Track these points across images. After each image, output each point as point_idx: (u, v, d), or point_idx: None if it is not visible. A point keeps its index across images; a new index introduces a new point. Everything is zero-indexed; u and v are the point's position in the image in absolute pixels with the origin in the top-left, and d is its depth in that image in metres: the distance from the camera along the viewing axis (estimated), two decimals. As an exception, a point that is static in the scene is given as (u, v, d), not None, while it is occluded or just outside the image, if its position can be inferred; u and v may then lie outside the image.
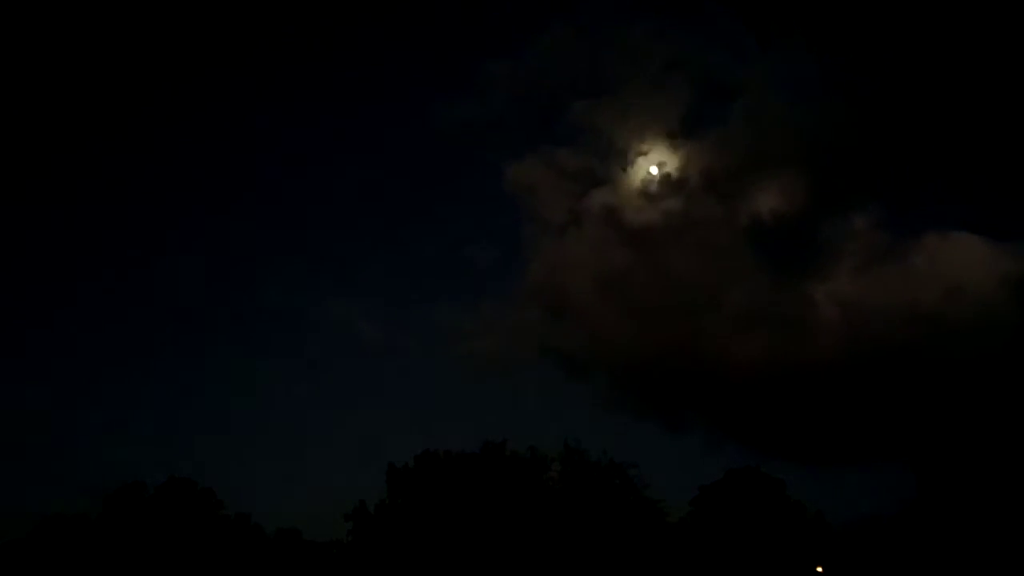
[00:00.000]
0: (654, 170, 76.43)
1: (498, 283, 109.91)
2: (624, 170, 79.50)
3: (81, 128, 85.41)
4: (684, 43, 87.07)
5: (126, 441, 72.74)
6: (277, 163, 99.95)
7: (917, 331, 67.46)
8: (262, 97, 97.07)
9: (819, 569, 48.32)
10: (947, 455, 49.71)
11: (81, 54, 76.40)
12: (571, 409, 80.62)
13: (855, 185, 79.76)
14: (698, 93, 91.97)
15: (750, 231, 79.10)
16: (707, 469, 55.62)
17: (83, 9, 70.18)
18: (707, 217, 78.13)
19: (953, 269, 69.54)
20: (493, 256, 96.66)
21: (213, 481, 52.00)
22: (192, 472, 51.72)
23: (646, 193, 77.46)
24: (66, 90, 79.04)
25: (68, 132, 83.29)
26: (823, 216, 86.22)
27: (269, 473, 70.65)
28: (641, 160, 77.59)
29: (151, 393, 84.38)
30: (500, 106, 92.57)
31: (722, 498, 50.00)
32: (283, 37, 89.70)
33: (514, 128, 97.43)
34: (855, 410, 61.42)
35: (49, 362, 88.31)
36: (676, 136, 79.18)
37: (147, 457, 75.35)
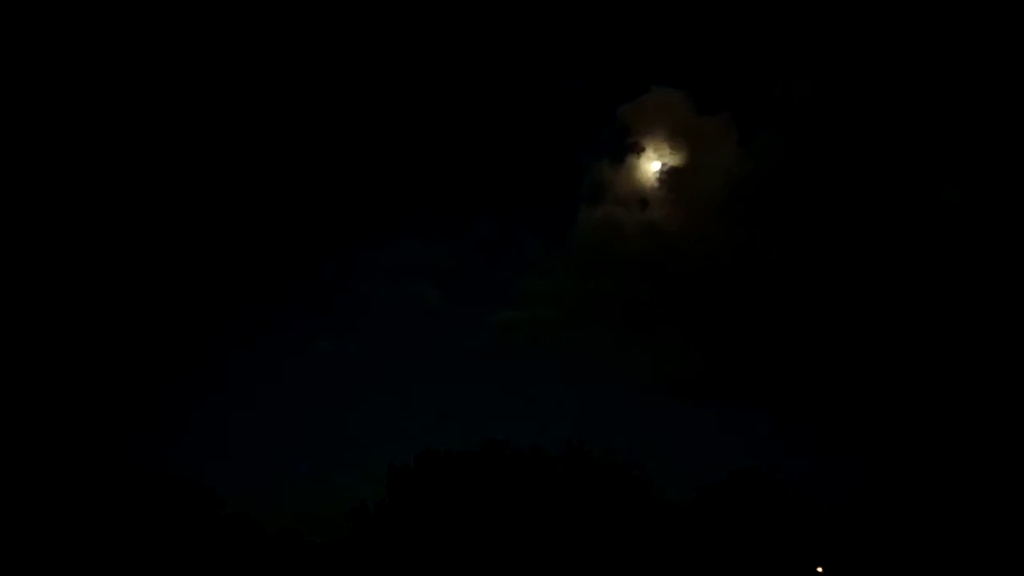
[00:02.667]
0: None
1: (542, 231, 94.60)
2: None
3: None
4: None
5: (126, 439, 71.89)
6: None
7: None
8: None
9: (819, 569, 48.45)
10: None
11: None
12: (625, 390, 71.53)
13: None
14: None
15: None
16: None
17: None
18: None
19: None
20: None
21: (213, 480, 52.15)
22: (192, 471, 51.75)
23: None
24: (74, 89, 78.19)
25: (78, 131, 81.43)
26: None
27: (269, 471, 69.75)
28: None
29: (151, 390, 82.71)
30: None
31: (722, 499, 50.14)
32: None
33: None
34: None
35: (49, 360, 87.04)
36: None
37: (147, 455, 74.29)
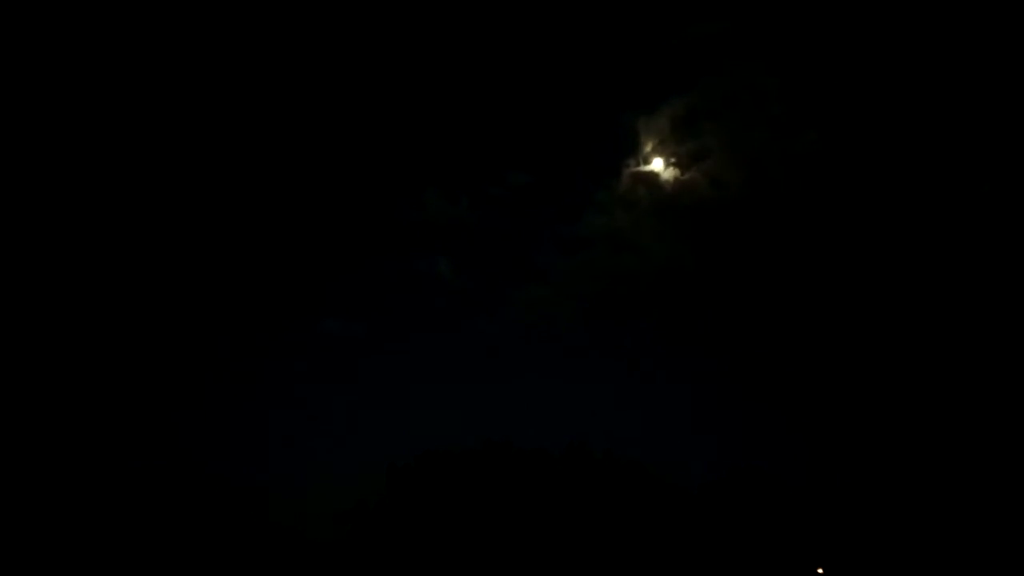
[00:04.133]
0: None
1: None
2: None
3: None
4: None
5: (124, 434, 71.25)
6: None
7: None
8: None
9: (819, 570, 48.46)
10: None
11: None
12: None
13: None
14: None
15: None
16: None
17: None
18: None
19: None
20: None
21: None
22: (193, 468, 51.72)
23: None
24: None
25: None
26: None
27: (266, 468, 69.17)
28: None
29: (142, 381, 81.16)
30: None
31: (722, 497, 50.16)
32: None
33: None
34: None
35: (51, 356, 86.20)
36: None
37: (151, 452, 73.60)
